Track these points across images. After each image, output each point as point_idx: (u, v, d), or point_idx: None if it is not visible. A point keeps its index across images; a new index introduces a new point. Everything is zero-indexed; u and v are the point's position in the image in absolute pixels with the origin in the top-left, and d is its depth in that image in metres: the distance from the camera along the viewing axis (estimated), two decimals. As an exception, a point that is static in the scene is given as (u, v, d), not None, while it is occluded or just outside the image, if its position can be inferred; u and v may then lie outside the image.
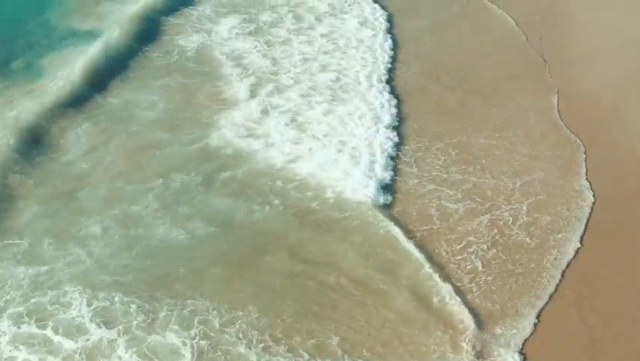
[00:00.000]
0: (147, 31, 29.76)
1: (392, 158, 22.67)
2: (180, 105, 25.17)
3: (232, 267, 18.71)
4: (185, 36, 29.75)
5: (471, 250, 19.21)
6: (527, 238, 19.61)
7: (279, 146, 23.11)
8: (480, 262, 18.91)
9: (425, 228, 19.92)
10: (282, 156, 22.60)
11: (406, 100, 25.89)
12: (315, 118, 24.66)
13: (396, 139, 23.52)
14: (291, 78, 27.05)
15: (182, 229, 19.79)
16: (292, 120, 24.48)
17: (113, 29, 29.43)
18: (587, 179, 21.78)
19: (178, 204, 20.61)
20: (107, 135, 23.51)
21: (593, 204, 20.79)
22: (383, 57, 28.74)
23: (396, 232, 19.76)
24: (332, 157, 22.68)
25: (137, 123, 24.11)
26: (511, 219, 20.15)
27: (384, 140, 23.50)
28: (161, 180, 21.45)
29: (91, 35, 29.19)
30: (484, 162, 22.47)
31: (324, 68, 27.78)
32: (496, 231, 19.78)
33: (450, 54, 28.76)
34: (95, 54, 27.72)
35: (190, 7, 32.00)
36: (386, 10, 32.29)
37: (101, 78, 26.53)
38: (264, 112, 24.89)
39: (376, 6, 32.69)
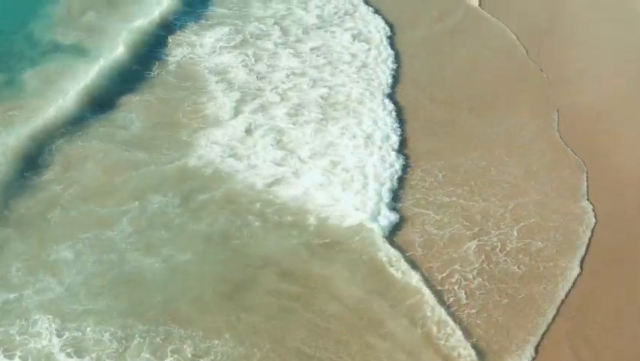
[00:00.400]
0: (128, 44, 30.13)
1: (384, 181, 23.04)
2: (159, 123, 25.70)
3: (207, 294, 19.15)
4: (167, 49, 30.40)
5: (454, 279, 19.54)
6: (515, 267, 19.95)
7: (263, 167, 23.56)
8: (464, 292, 19.20)
9: (406, 255, 20.29)
10: (264, 179, 23.03)
11: (400, 118, 26.43)
12: (302, 138, 25.09)
13: (390, 161, 23.93)
14: (278, 95, 27.49)
15: (157, 255, 20.27)
16: (277, 140, 24.91)
17: (95, 43, 30.11)
18: (588, 199, 22.18)
19: (153, 229, 21.10)
20: (83, 155, 24.02)
21: (594, 226, 21.16)
22: (377, 73, 29.27)
23: (386, 257, 20.19)
24: (318, 180, 23.06)
25: (114, 142, 24.61)
26: (499, 245, 20.51)
27: (377, 162, 23.89)
28: (136, 202, 21.94)
29: (74, 49, 29.82)
30: (473, 183, 22.91)
31: (313, 84, 28.25)
32: (483, 258, 20.14)
33: (446, 68, 29.35)
34: (76, 70, 28.24)
35: (173, 18, 32.62)
36: (381, 23, 32.92)
37: (79, 93, 26.88)
38: (248, 131, 25.35)
39: (370, 18, 33.35)
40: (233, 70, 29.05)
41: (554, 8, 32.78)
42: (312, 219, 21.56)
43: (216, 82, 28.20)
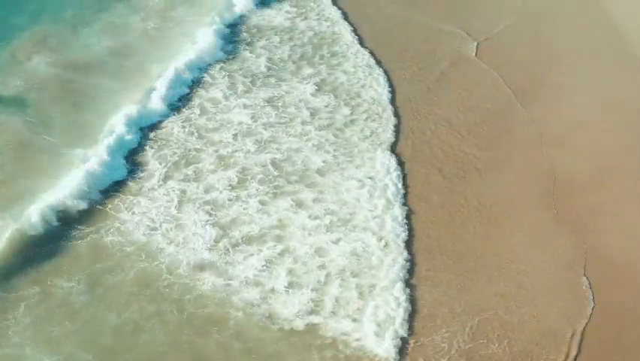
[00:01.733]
0: (53, 93, 32.19)
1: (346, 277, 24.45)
2: (73, 190, 26.89)
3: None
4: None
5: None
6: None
7: (190, 248, 25.08)
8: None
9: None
10: (190, 262, 24.59)
11: (371, 193, 27.67)
12: (242, 214, 26.44)
13: (360, 248, 25.37)
14: (219, 158, 28.87)
15: (57, 353, 21.77)
16: (212, 216, 26.32)
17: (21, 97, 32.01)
18: (587, 284, 23.75)
19: (53, 321, 22.62)
20: (-22, 227, 25.19)
21: (587, 322, 22.67)
22: (345, 133, 30.51)
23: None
24: (255, 269, 24.54)
25: (15, 212, 25.83)
26: (446, 347, 22.00)
27: (347, 251, 25.15)
28: (36, 287, 23.55)
29: (13, 102, 31.57)
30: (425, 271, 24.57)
31: (263, 147, 29.48)
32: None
33: (431, 130, 30.85)
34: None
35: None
36: (355, 71, 34.73)
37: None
38: (180, 202, 26.83)
39: (335, 63, 35.22)
40: (167, 125, 30.64)
41: (550, 58, 34.97)
42: (237, 315, 23.08)
43: (145, 140, 29.85)
